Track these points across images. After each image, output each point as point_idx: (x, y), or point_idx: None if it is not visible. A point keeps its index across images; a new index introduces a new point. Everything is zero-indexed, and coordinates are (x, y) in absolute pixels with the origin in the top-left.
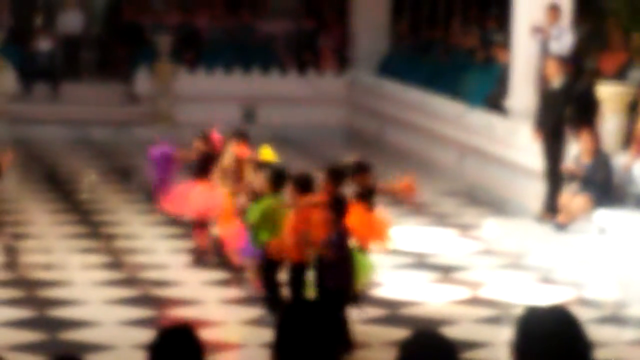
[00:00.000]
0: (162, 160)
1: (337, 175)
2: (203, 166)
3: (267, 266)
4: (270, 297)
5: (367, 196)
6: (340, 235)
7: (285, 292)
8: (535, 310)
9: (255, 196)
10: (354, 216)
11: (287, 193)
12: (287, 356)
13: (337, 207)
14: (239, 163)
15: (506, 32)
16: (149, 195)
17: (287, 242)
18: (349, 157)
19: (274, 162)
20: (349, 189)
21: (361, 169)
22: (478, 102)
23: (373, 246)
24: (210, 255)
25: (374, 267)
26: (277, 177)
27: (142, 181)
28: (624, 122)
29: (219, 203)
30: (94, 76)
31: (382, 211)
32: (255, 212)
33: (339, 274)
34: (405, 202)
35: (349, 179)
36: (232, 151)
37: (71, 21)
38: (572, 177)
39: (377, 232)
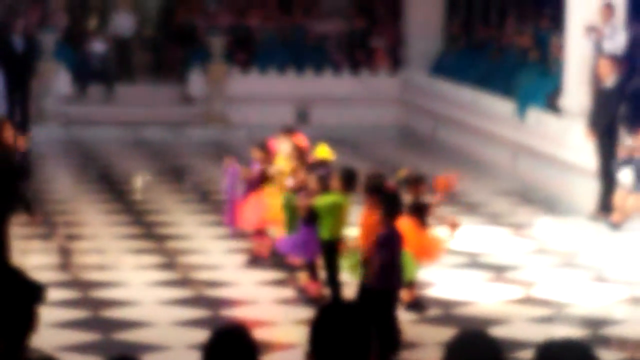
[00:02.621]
0: (233, 179)
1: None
2: (261, 177)
3: (331, 265)
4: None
5: (420, 210)
6: (389, 236)
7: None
8: (554, 344)
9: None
10: (405, 230)
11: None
12: (321, 357)
13: (388, 206)
14: (300, 152)
15: (560, 31)
16: (203, 196)
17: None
18: (403, 170)
19: (330, 162)
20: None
21: (415, 181)
22: (531, 102)
23: (422, 263)
24: (266, 257)
25: (417, 267)
26: (348, 177)
27: (195, 182)
28: None
29: (274, 208)
30: (147, 78)
31: (436, 229)
32: (323, 200)
33: (385, 274)
34: (443, 193)
35: (405, 190)
36: (289, 143)
37: (124, 23)
38: (628, 161)
39: (427, 249)
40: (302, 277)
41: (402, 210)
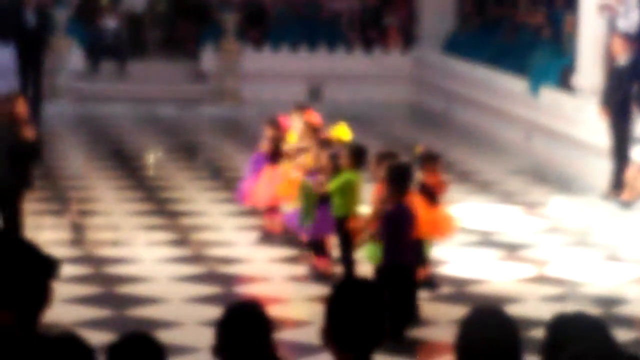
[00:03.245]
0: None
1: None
2: (273, 152)
3: (345, 243)
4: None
5: (431, 188)
6: (396, 212)
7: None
8: (566, 317)
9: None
10: (416, 207)
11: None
12: (338, 333)
13: (396, 183)
14: (313, 130)
15: (574, 9)
16: (216, 173)
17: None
18: (418, 147)
19: (342, 140)
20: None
21: (430, 159)
22: (544, 80)
23: (434, 239)
24: (278, 234)
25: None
26: (358, 154)
27: (207, 158)
28: None
29: (287, 184)
30: (160, 54)
31: (447, 206)
32: (335, 183)
33: (394, 250)
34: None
35: (419, 167)
36: (301, 120)
37: None
38: None
39: (438, 226)
40: (312, 254)
41: (410, 186)
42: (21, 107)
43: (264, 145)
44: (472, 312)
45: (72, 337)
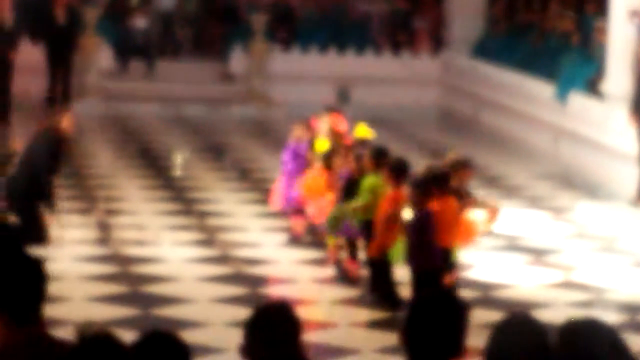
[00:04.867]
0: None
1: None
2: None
3: (380, 268)
4: (388, 295)
5: (459, 195)
6: (422, 219)
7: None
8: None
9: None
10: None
11: (384, 176)
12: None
13: (420, 190)
14: (335, 135)
15: (605, 16)
16: (243, 174)
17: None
18: (450, 154)
19: (369, 140)
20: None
21: (461, 166)
22: (573, 86)
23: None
24: (304, 236)
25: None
26: (379, 156)
27: (235, 159)
28: None
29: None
30: (189, 54)
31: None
32: (365, 194)
33: (422, 256)
34: (486, 222)
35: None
36: (327, 123)
37: None
38: None
39: (462, 232)
40: (343, 256)
41: (432, 192)
42: (67, 123)
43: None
44: (505, 318)
45: (108, 336)
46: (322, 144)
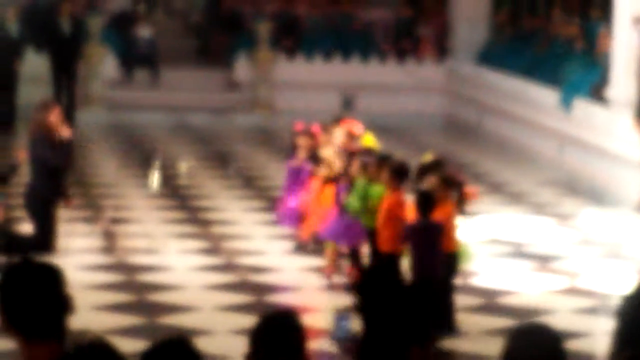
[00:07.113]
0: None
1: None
2: (312, 160)
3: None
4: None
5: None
6: (423, 229)
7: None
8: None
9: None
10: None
11: (384, 180)
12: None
13: (422, 201)
14: (351, 138)
15: (609, 22)
16: (248, 182)
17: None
18: (427, 155)
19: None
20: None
21: (439, 166)
22: (578, 92)
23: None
24: (309, 244)
25: (471, 255)
26: (400, 172)
27: (240, 167)
28: None
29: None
30: (194, 63)
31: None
32: (375, 198)
33: (424, 264)
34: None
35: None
36: (342, 132)
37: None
38: None
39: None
40: (345, 264)
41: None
42: (55, 116)
43: (301, 155)
44: (520, 327)
45: (103, 344)
46: (368, 140)
